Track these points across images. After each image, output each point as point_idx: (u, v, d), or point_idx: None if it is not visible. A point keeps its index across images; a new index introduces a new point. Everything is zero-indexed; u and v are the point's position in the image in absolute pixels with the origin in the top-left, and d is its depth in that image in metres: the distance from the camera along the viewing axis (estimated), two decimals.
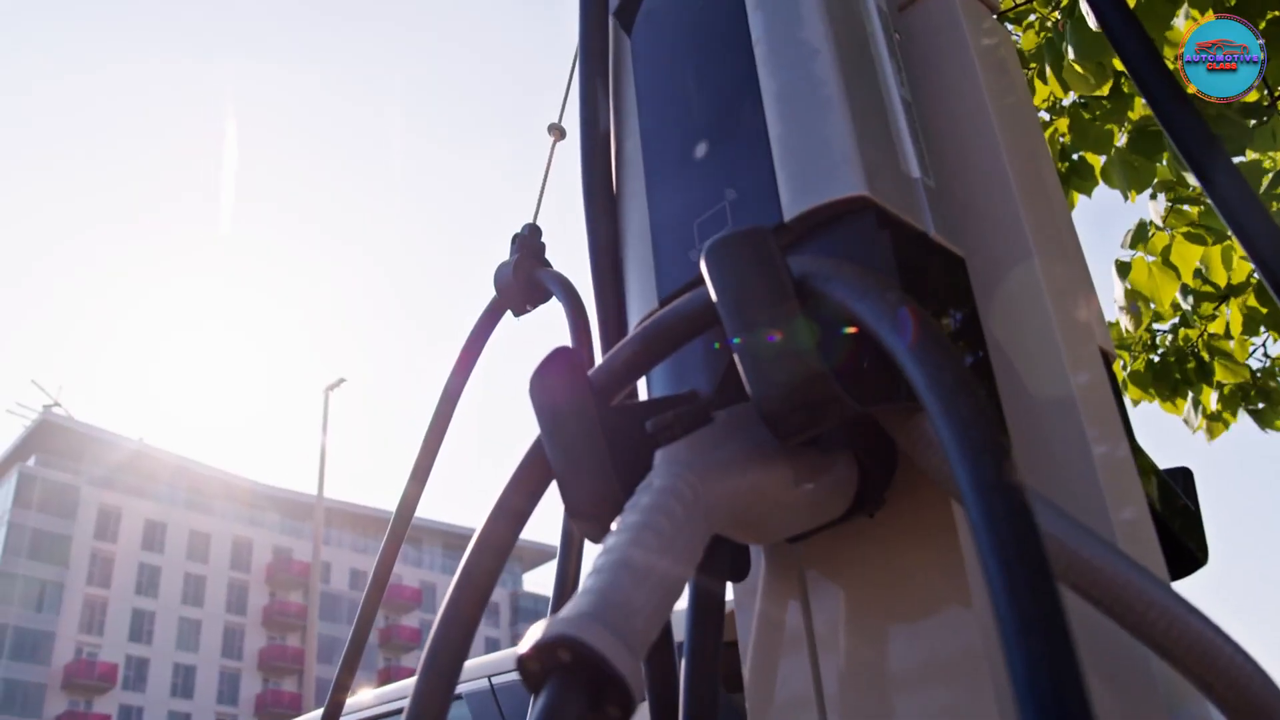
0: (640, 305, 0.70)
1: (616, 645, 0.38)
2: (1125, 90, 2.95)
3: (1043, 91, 3.12)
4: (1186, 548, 0.79)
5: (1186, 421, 4.07)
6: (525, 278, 1.09)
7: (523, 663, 0.38)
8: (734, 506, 0.51)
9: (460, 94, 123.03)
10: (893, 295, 0.47)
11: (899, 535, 0.62)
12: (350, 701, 2.65)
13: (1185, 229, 3.39)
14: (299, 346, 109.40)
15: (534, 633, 0.38)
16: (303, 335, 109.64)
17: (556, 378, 0.55)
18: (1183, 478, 0.84)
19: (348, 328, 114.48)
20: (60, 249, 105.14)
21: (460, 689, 2.30)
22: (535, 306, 1.12)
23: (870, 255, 0.59)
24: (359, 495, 60.91)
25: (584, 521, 0.53)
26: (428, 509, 58.59)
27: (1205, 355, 3.90)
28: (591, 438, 0.54)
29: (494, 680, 2.28)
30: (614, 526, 0.46)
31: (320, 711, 1.13)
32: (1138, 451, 0.69)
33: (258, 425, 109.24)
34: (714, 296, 0.52)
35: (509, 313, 1.14)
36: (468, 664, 2.38)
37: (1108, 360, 0.71)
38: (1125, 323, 3.70)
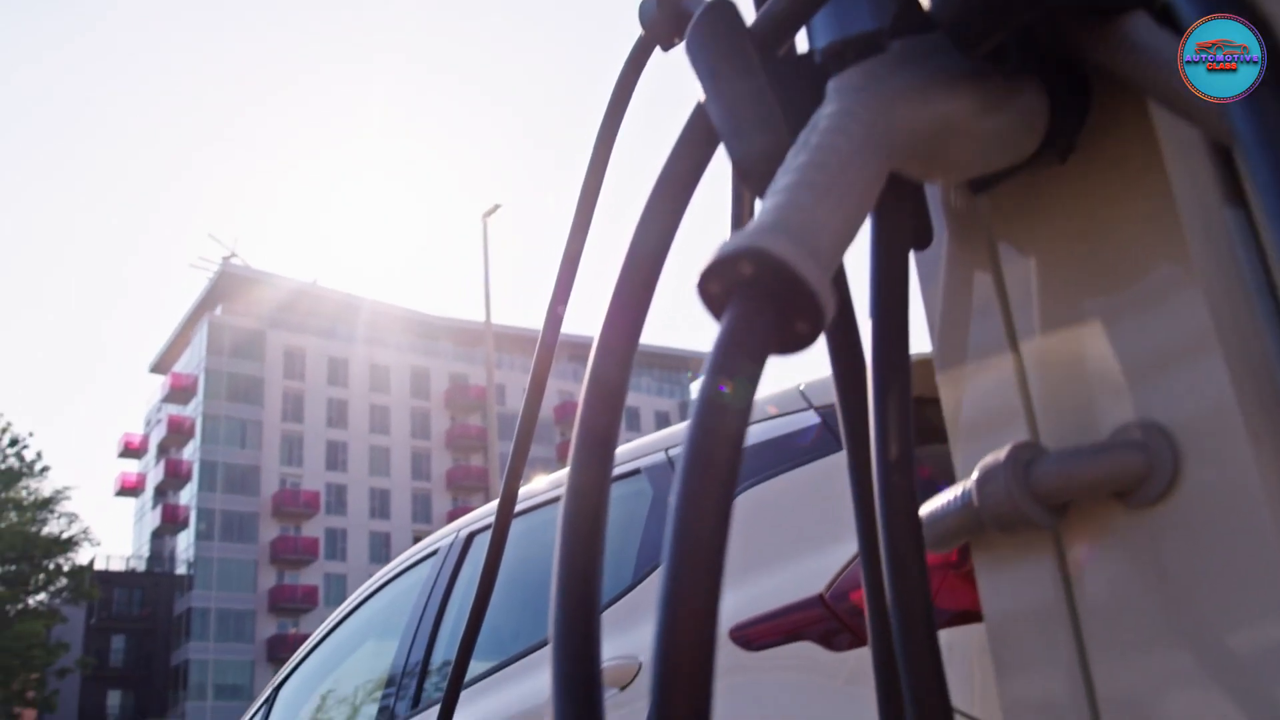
0: None
1: (803, 254, 0.35)
2: None
3: None
4: None
5: None
6: (671, 6, 1.08)
7: (702, 285, 0.36)
8: (913, 135, 0.48)
9: None
10: None
11: (1098, 183, 0.56)
12: (527, 489, 2.78)
13: None
14: (454, 180, 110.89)
15: (712, 252, 0.35)
16: (456, 168, 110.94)
17: (714, 30, 0.51)
18: None
19: (497, 155, 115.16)
20: (227, 110, 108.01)
21: (639, 463, 2.40)
22: (684, 38, 1.04)
23: None
24: (526, 318, 62.28)
25: (755, 180, 0.49)
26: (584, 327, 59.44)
27: None
28: (756, 87, 0.50)
29: (671, 452, 2.36)
30: (788, 158, 0.42)
31: (496, 501, 1.24)
32: None
33: (423, 259, 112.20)
34: None
35: (658, 50, 1.07)
36: (643, 440, 2.48)
37: None
38: None
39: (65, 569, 41.10)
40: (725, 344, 0.34)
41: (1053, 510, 0.53)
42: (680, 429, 2.49)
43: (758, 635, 1.86)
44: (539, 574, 2.81)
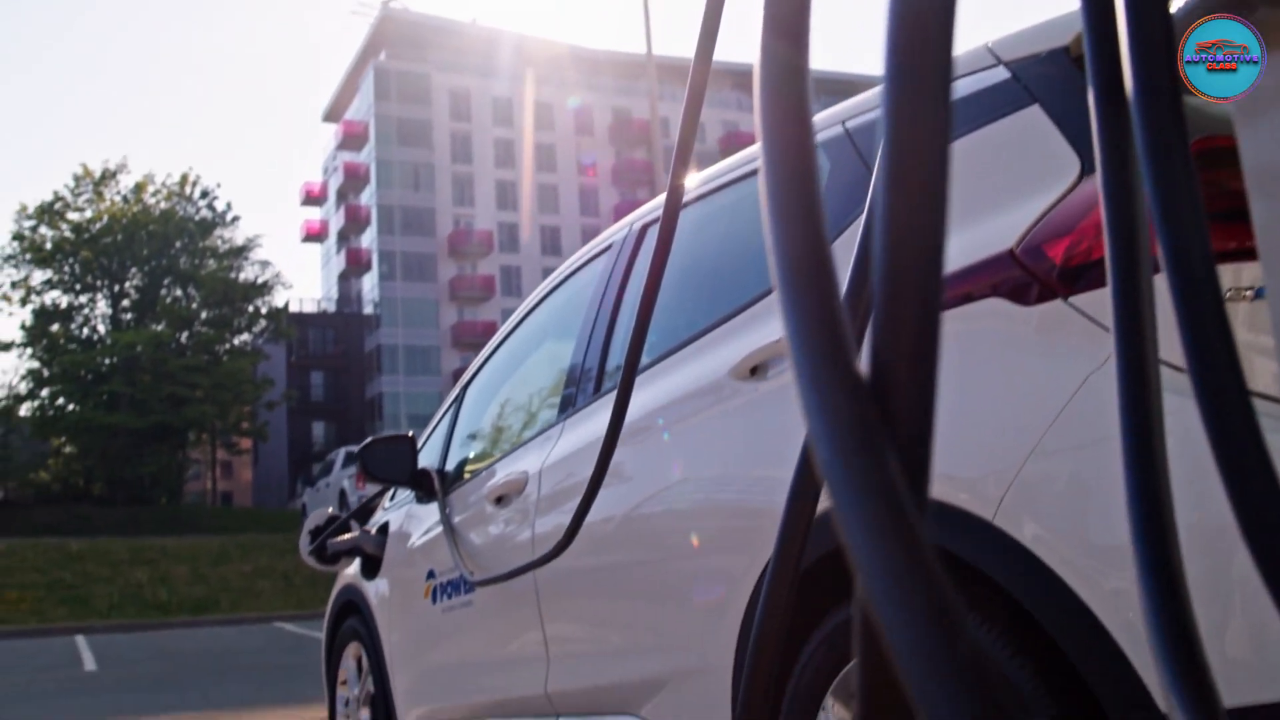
0: None
1: None
2: None
3: None
4: None
5: None
6: None
7: None
8: None
9: None
10: None
11: None
12: (696, 178, 2.73)
13: None
14: None
15: None
16: None
17: None
18: None
19: None
20: None
21: (816, 139, 2.31)
22: None
23: None
24: (689, 48, 60.63)
25: None
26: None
27: None
28: None
29: (848, 124, 2.26)
30: None
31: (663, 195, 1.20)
32: None
33: None
34: None
35: None
36: (819, 116, 2.38)
37: None
38: None
39: (263, 311, 43.70)
40: None
41: None
42: (856, 101, 2.35)
43: (945, 295, 1.79)
44: (710, 259, 2.77)
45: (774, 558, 0.74)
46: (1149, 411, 0.50)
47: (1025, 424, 1.60)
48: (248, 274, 43.42)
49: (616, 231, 3.12)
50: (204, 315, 42.35)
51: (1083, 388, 1.53)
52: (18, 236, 40.16)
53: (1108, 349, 1.68)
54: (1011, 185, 1.80)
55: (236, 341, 43.25)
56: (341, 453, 26.31)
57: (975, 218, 1.80)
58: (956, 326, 1.75)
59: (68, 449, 41.06)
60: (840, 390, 0.32)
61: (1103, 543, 1.49)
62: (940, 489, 1.67)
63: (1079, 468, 1.54)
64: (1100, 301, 1.61)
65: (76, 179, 41.50)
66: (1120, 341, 0.52)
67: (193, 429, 41.48)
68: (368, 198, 57.51)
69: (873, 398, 0.32)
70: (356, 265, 58.92)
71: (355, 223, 58.77)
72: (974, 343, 1.74)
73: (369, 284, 57.50)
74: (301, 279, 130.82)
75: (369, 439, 3.71)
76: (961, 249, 1.78)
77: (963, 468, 1.67)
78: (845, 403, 0.32)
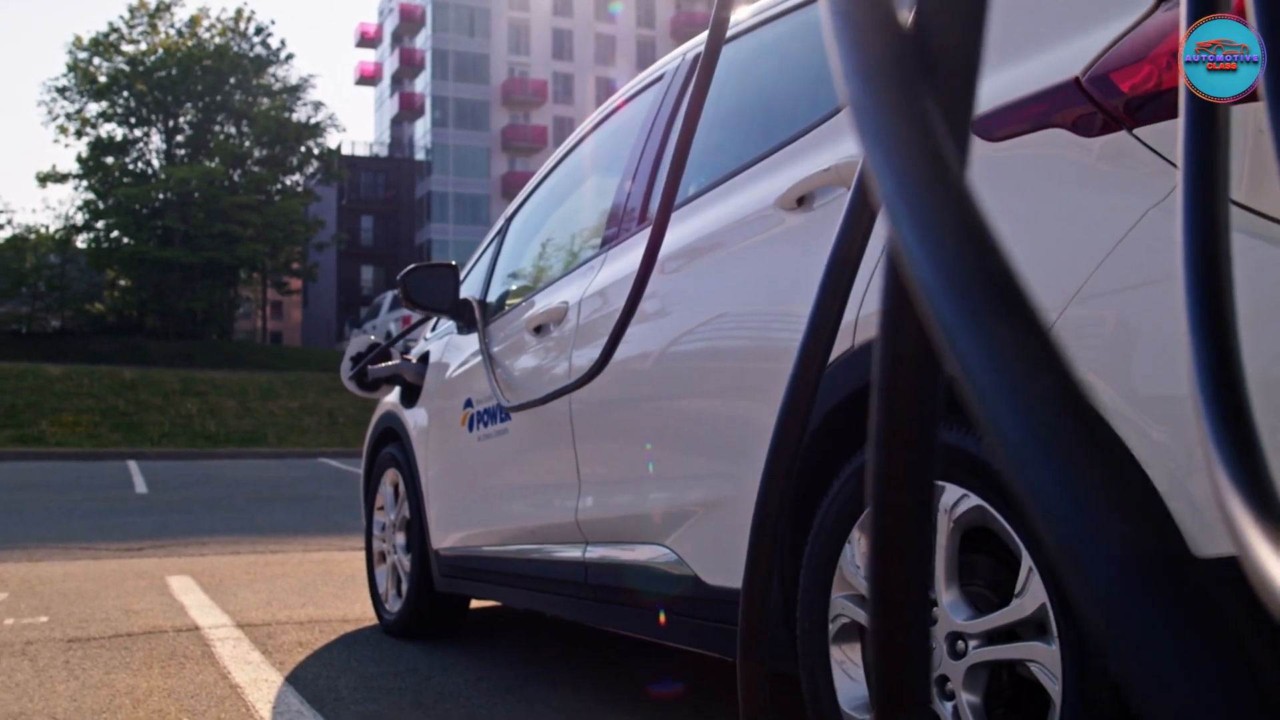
0: None
1: None
2: None
3: None
4: None
5: None
6: None
7: None
8: None
9: None
10: None
11: None
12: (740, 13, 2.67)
13: None
14: None
15: None
16: None
17: None
18: None
19: None
20: None
21: None
22: None
23: None
24: None
25: None
26: None
27: None
28: None
29: None
30: None
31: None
32: None
33: None
34: None
35: None
36: None
37: None
38: None
39: (315, 153, 43.55)
40: None
41: None
42: None
43: (1001, 124, 1.71)
44: (761, 91, 2.69)
45: (788, 391, 0.73)
46: (1216, 251, 0.46)
47: (1078, 258, 1.54)
48: (300, 114, 43.15)
49: (668, 62, 3.03)
50: (256, 154, 42.30)
51: (1141, 223, 1.47)
52: (73, 67, 40.07)
53: (1171, 184, 1.61)
54: (1083, 10, 1.71)
55: (288, 182, 43.27)
56: (389, 296, 26.55)
57: (1041, 44, 1.72)
58: (1013, 155, 1.68)
59: (122, 282, 41.64)
60: (877, 34, 0.28)
61: (1151, 391, 1.44)
62: None
63: (1131, 307, 1.49)
64: (1166, 135, 1.53)
65: (131, 10, 41.13)
66: (1188, 174, 0.48)
67: (244, 267, 41.87)
68: (422, 41, 56.71)
69: (914, 42, 0.28)
70: (409, 110, 58.45)
71: (409, 66, 58.09)
72: (1030, 174, 1.67)
73: (421, 129, 57.13)
74: (354, 124, 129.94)
75: (412, 265, 3.70)
76: (1024, 77, 1.70)
77: None
78: (882, 45, 0.27)
